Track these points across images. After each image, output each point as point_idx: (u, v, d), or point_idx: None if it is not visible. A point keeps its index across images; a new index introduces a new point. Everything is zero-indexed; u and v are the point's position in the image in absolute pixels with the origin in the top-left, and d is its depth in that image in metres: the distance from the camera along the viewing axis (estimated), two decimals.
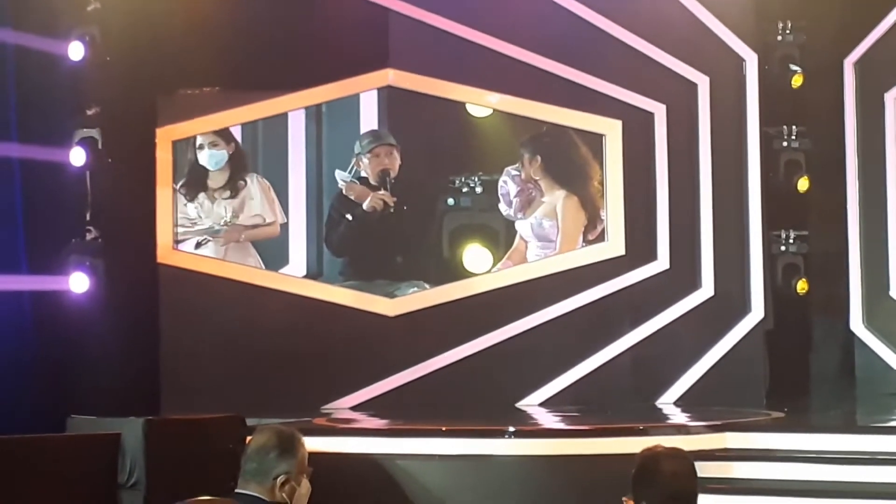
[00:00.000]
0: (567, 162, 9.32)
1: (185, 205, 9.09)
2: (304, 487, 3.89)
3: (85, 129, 8.44)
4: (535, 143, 9.30)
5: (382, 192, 9.15)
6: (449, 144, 9.40)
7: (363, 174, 9.27)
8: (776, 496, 6.82)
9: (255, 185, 9.19)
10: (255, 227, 9.20)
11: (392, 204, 9.17)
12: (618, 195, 9.21)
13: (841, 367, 9.66)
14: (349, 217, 9.24)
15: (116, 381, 8.16)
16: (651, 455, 3.78)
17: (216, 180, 9.16)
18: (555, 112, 9.21)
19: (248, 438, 4.01)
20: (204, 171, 9.13)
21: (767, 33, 9.43)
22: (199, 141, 9.08)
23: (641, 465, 3.75)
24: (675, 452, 3.81)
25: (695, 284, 9.22)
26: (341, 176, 9.25)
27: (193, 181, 9.11)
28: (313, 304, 9.01)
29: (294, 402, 8.47)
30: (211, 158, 9.10)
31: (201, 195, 9.13)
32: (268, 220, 9.18)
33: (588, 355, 9.11)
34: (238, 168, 9.19)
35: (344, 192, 9.24)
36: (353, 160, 9.26)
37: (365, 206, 9.19)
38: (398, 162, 9.21)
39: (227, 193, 9.14)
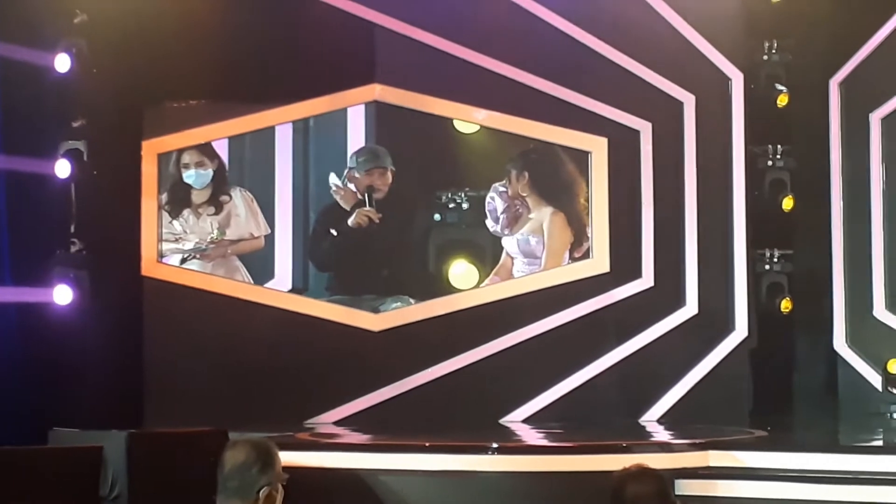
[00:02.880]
0: (555, 179, 9.36)
1: (171, 222, 9.10)
2: (280, 494, 3.92)
3: (70, 141, 8.42)
4: (523, 160, 9.34)
5: (368, 208, 9.17)
6: (436, 160, 9.42)
7: (351, 187, 9.30)
8: None
9: (239, 200, 9.20)
10: (240, 240, 9.21)
11: (377, 220, 9.18)
12: (603, 212, 9.24)
13: (824, 385, 9.68)
14: (334, 232, 9.25)
15: (99, 393, 8.17)
16: (619, 478, 3.86)
17: (200, 196, 9.17)
18: (540, 129, 9.25)
19: (225, 455, 3.95)
20: (187, 188, 9.14)
21: (753, 52, 9.48)
22: (185, 160, 9.09)
23: (612, 489, 3.81)
24: (643, 473, 3.86)
25: (679, 302, 9.25)
26: (336, 181, 9.27)
27: (176, 198, 9.12)
28: (298, 318, 9.01)
29: (277, 416, 8.46)
30: (198, 178, 9.13)
31: (185, 211, 9.14)
32: (255, 235, 9.20)
33: (572, 372, 9.13)
34: (220, 183, 9.20)
35: (332, 191, 9.23)
36: (346, 172, 9.27)
37: (350, 221, 9.21)
38: (389, 182, 9.23)
39: (212, 210, 9.16)
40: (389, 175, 9.27)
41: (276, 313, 9.01)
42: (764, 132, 9.43)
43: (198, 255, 9.14)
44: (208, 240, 9.15)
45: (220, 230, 9.17)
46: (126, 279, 8.74)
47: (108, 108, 8.56)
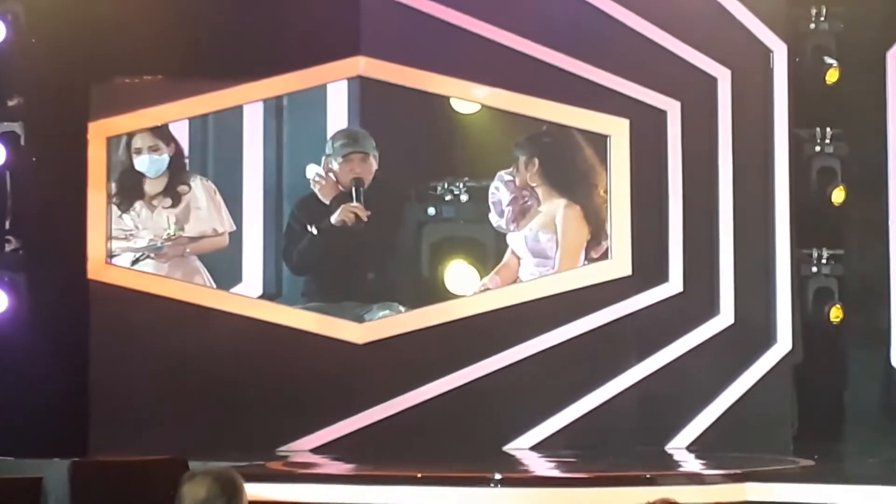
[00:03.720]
0: (569, 166, 9.31)
1: (121, 216, 9.06)
2: None
3: (5, 123, 8.47)
4: (533, 144, 9.28)
5: (354, 203, 9.13)
6: (430, 145, 9.36)
7: (331, 177, 9.28)
8: None
9: (200, 190, 9.16)
10: (200, 237, 9.17)
11: (365, 218, 9.15)
12: (624, 206, 9.18)
13: (880, 406, 9.62)
14: (312, 230, 9.21)
15: (39, 416, 8.22)
16: None
17: (154, 186, 9.12)
18: (551, 109, 9.18)
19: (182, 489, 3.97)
20: (139, 176, 9.10)
21: (799, 21, 9.41)
22: (136, 144, 9.05)
23: None
24: None
25: (712, 310, 9.21)
26: (318, 171, 9.26)
27: (127, 188, 9.07)
28: (270, 328, 8.97)
29: (246, 442, 8.47)
30: (151, 165, 9.07)
31: (137, 203, 9.10)
32: (219, 231, 9.17)
33: (588, 391, 9.08)
34: (178, 171, 9.15)
35: (312, 184, 9.21)
36: (323, 160, 9.24)
37: (334, 219, 9.17)
38: (374, 169, 9.20)
39: (168, 202, 9.11)
40: (372, 161, 9.20)
41: (243, 323, 8.96)
42: (811, 113, 9.37)
43: (152, 255, 9.09)
44: (164, 237, 9.09)
45: (177, 225, 9.11)
46: (69, 283, 8.71)
47: (49, 85, 8.56)
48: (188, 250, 9.14)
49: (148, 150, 9.08)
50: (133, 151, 9.06)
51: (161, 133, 9.09)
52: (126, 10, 8.65)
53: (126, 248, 9.07)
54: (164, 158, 9.10)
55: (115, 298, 8.88)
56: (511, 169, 9.31)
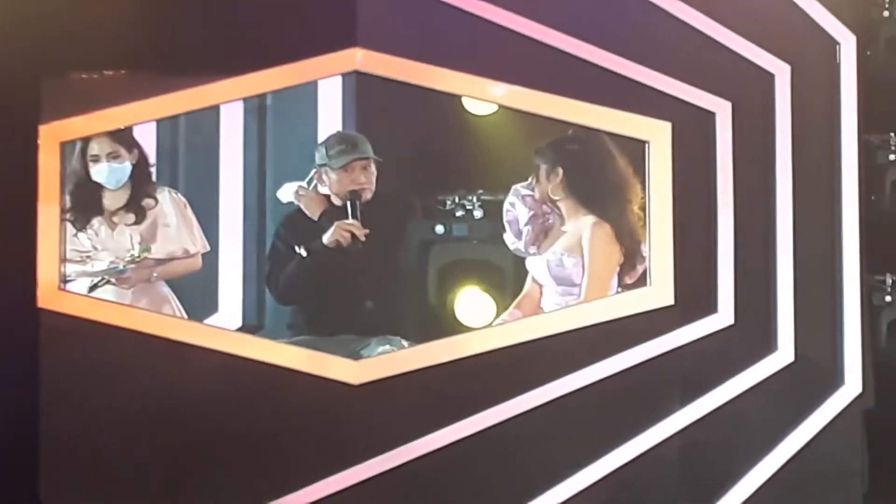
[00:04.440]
0: (598, 178, 9.09)
1: (76, 234, 8.97)
2: None
3: None
4: (556, 152, 9.06)
5: (350, 220, 9.03)
6: (438, 152, 9.27)
7: (324, 191, 9.18)
8: None
9: (168, 205, 9.07)
10: (169, 259, 9.09)
11: (363, 238, 9.04)
12: (665, 223, 8.94)
13: None
14: (302, 252, 9.08)
15: None
16: None
17: (115, 200, 9.03)
18: (581, 110, 8.93)
19: None
20: (97, 188, 9.02)
21: (870, 7, 9.25)
22: (93, 150, 8.97)
23: None
24: None
25: (768, 346, 8.96)
26: (299, 185, 9.23)
27: (83, 202, 8.97)
28: (250, 366, 8.76)
29: (222, 499, 8.43)
30: (111, 174, 8.96)
31: (95, 220, 9.01)
32: (190, 251, 9.09)
33: (623, 440, 8.86)
34: (142, 181, 9.06)
35: (295, 200, 9.14)
36: (314, 171, 9.18)
37: (326, 239, 9.04)
38: (374, 178, 9.15)
39: (131, 218, 9.03)
40: (374, 168, 9.08)
41: (220, 360, 8.75)
42: (884, 115, 9.18)
43: (113, 280, 9.00)
44: (127, 258, 9.02)
45: (142, 245, 9.03)
46: (17, 313, 8.61)
47: None
48: (155, 274, 9.04)
49: (107, 157, 8.97)
50: (89, 159, 8.96)
51: (122, 137, 8.98)
52: None
53: (82, 272, 8.98)
54: (126, 167, 9.00)
55: (70, 330, 8.73)
56: (529, 181, 9.14)
